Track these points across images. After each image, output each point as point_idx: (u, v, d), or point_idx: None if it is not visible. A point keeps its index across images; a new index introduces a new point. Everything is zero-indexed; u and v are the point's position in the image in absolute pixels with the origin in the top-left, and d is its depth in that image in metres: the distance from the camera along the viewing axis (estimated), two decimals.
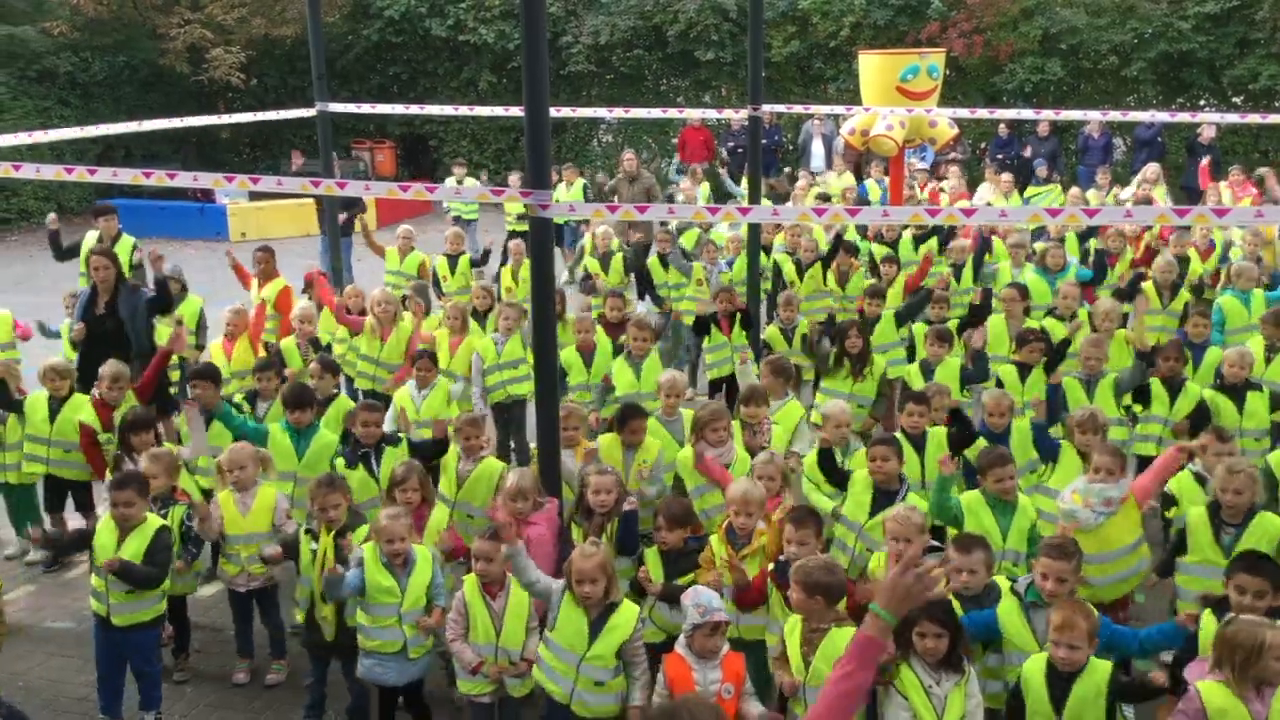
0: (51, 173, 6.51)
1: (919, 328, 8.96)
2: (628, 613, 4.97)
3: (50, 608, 7.19)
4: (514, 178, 17.13)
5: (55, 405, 7.47)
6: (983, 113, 15.12)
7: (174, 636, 6.55)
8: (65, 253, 10.83)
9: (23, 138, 7.97)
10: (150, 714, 5.93)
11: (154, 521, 5.75)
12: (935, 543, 5.53)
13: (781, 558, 5.33)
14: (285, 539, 6.08)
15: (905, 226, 11.18)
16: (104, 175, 6.29)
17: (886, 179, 14.81)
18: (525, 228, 15.25)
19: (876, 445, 6.08)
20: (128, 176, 6.20)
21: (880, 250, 10.98)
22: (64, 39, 21.54)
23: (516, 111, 10.76)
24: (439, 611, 5.43)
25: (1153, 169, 14.57)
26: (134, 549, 5.65)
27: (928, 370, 8.11)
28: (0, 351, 8.82)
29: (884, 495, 5.91)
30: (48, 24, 21.35)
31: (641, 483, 6.55)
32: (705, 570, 5.53)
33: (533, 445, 6.51)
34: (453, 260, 11.22)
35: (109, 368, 7.46)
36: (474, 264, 11.32)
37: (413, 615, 5.41)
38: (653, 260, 11.21)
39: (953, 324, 8.72)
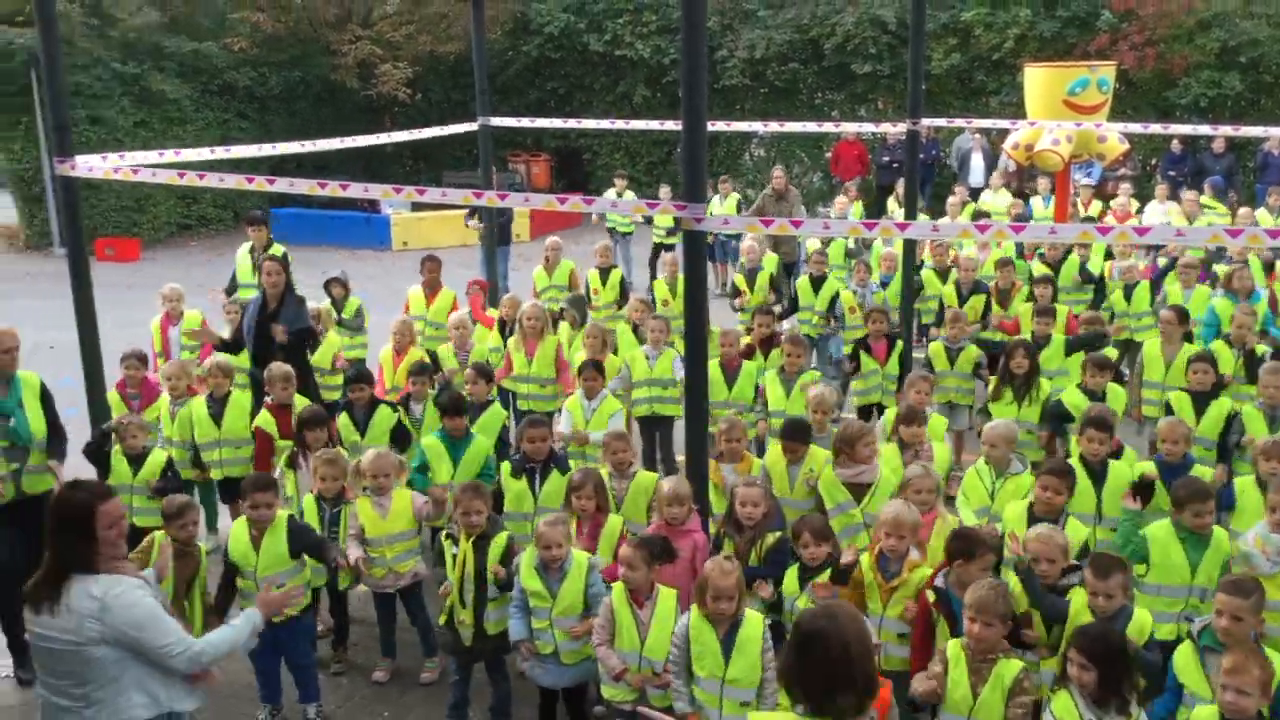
0: (233, 182, 6.85)
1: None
2: (755, 623, 4.94)
3: None
4: (664, 191, 17.27)
5: (215, 407, 7.70)
6: (1155, 128, 14.45)
7: (333, 630, 6.79)
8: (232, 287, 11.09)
9: (205, 153, 8.42)
10: (311, 706, 6.14)
11: (282, 515, 5.94)
12: (1076, 562, 5.35)
13: (938, 583, 5.21)
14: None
15: (1069, 248, 10.83)
16: (281, 185, 6.60)
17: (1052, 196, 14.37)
18: (673, 241, 15.67)
19: (1049, 475, 5.82)
20: (304, 187, 6.48)
21: (1040, 269, 10.65)
22: (244, 55, 22.68)
23: (671, 125, 10.93)
24: (590, 621, 5.47)
25: None
26: (275, 546, 5.84)
27: (1092, 398, 7.68)
28: (186, 351, 9.36)
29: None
30: (229, 40, 22.52)
31: (806, 489, 6.49)
32: (852, 592, 5.44)
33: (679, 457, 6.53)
34: (604, 273, 11.27)
35: (276, 369, 7.70)
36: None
37: (564, 622, 5.48)
38: (802, 281, 11.09)
39: (1110, 351, 8.38)
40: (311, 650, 6.26)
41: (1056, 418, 7.65)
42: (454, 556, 5.80)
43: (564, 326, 9.24)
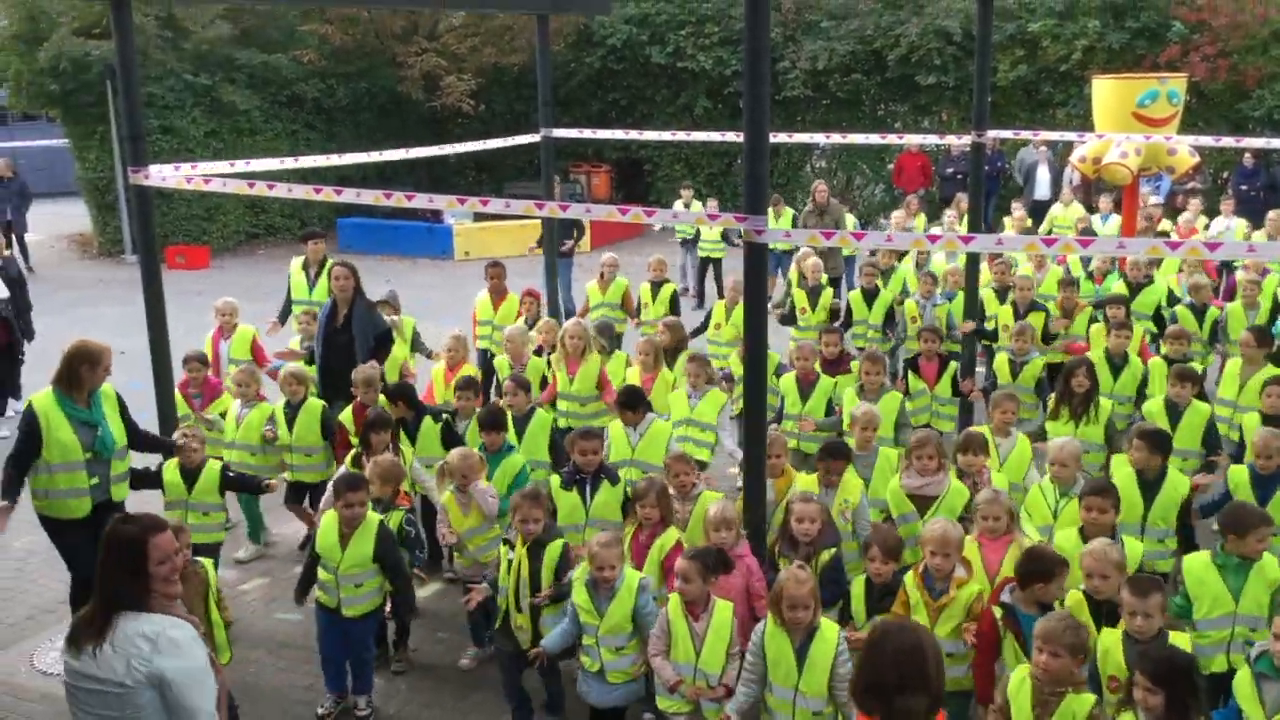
0: (301, 192, 6.98)
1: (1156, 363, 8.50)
2: (830, 632, 4.93)
3: (282, 599, 7.58)
4: (712, 204, 17.24)
5: (291, 412, 7.86)
6: (1227, 141, 14.15)
7: (400, 629, 6.87)
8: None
9: (274, 164, 8.58)
10: (363, 698, 6.26)
11: (374, 518, 6.05)
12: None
13: (1005, 599, 5.14)
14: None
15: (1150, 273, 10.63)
16: (348, 195, 6.71)
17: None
18: (720, 255, 15.63)
19: (1092, 495, 5.75)
20: (370, 197, 6.59)
21: (1116, 288, 10.44)
22: (312, 67, 23.08)
23: (733, 137, 10.92)
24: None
25: None
26: (362, 547, 5.97)
27: (1174, 412, 7.54)
28: (234, 366, 9.22)
29: None
30: (299, 52, 22.93)
31: (843, 522, 6.41)
32: (898, 610, 5.39)
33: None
34: (655, 287, 11.09)
35: (360, 373, 7.82)
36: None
37: (610, 640, 5.47)
38: (855, 295, 10.97)
39: (1197, 363, 8.20)
40: (374, 645, 6.40)
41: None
42: (509, 562, 5.84)
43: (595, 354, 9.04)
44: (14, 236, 19.49)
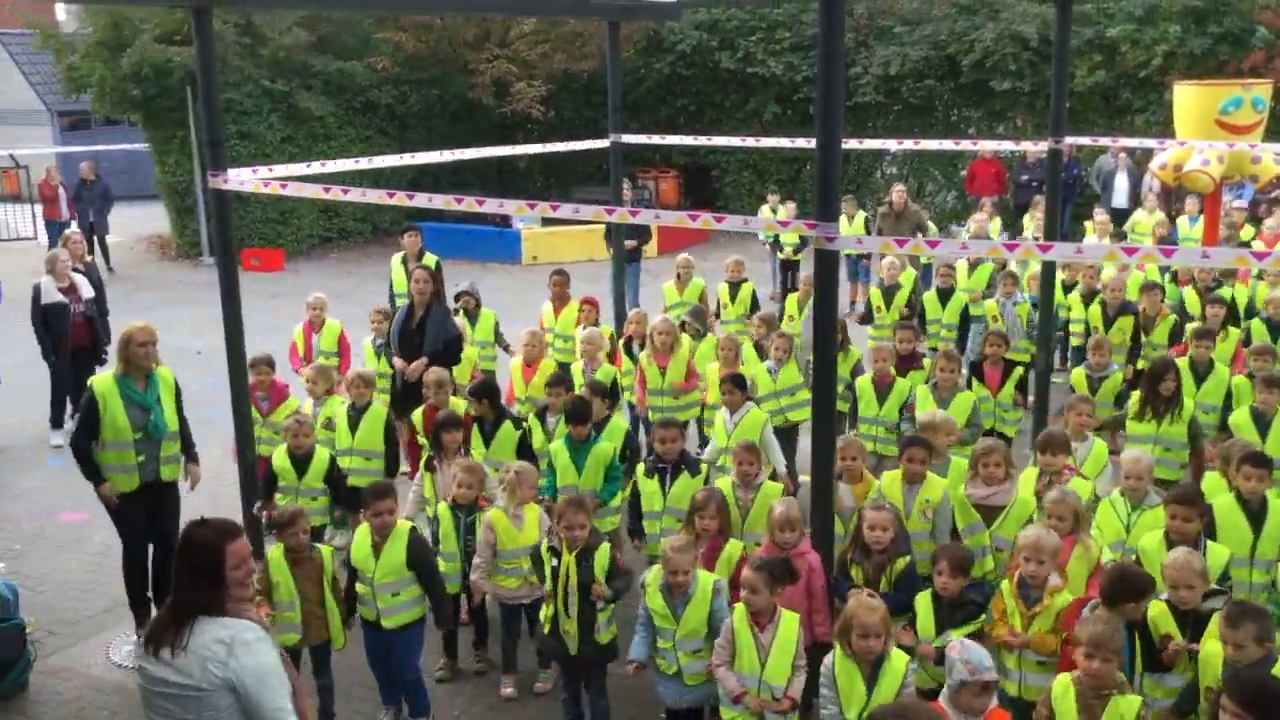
0: (375, 196, 7.04)
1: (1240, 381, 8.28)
2: (899, 661, 4.84)
3: None
4: (790, 207, 17.16)
5: (355, 415, 7.93)
6: None
7: (474, 628, 6.89)
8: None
9: (349, 163, 8.70)
10: None
11: (404, 525, 6.02)
12: (1217, 587, 5.14)
13: (1086, 615, 5.02)
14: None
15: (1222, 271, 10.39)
16: (420, 200, 6.74)
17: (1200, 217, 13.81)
18: (800, 258, 15.54)
19: (1176, 504, 5.64)
20: (441, 201, 6.61)
21: (1192, 298, 10.21)
22: (386, 74, 23.39)
23: (802, 143, 10.83)
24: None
25: None
26: (395, 555, 5.92)
27: (1261, 421, 7.35)
28: (324, 358, 9.68)
29: None
30: (373, 60, 23.26)
31: (923, 520, 6.34)
32: (999, 622, 5.28)
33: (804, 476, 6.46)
34: (734, 288, 11.31)
35: (432, 375, 7.92)
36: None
37: (687, 644, 5.46)
38: (930, 295, 10.93)
39: None
40: (417, 663, 6.26)
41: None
42: (554, 568, 5.83)
43: (686, 339, 9.25)
44: (96, 239, 20.03)
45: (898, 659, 4.83)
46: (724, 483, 6.62)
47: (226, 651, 3.67)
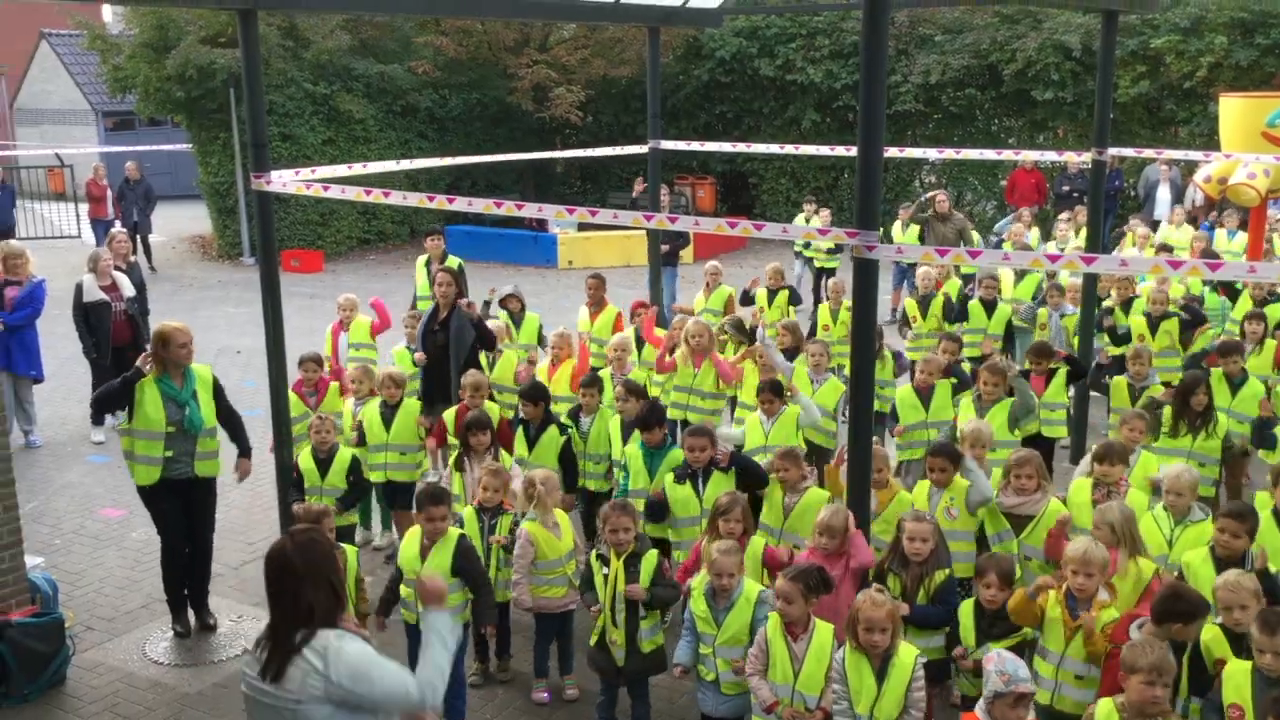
0: (415, 199, 7.09)
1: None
2: (908, 656, 4.84)
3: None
4: (825, 215, 17.09)
5: (388, 413, 8.01)
6: None
7: (496, 638, 6.86)
8: None
9: (389, 164, 8.80)
10: None
11: (454, 532, 6.03)
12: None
13: (1133, 635, 4.93)
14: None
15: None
16: (460, 204, 6.79)
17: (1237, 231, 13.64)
18: (835, 264, 15.46)
19: (1227, 518, 5.59)
20: (480, 206, 6.65)
21: (1241, 309, 10.09)
22: (426, 77, 23.54)
23: (842, 151, 10.82)
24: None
25: None
26: (441, 560, 5.93)
27: None
28: (358, 350, 9.78)
29: (1225, 568, 5.37)
30: (414, 64, 23.42)
31: (948, 520, 6.35)
32: (1024, 612, 5.25)
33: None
34: (772, 294, 11.34)
35: (469, 378, 7.96)
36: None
37: (727, 652, 5.45)
38: (974, 304, 10.86)
39: None
40: (461, 670, 6.22)
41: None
42: (605, 576, 5.83)
43: (729, 348, 9.27)
44: (139, 238, 20.27)
45: (906, 653, 4.83)
46: (774, 486, 6.63)
47: (323, 664, 3.56)
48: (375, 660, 3.65)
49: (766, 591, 5.58)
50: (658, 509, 6.79)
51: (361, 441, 8.02)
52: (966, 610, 5.45)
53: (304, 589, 3.59)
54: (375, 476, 8.03)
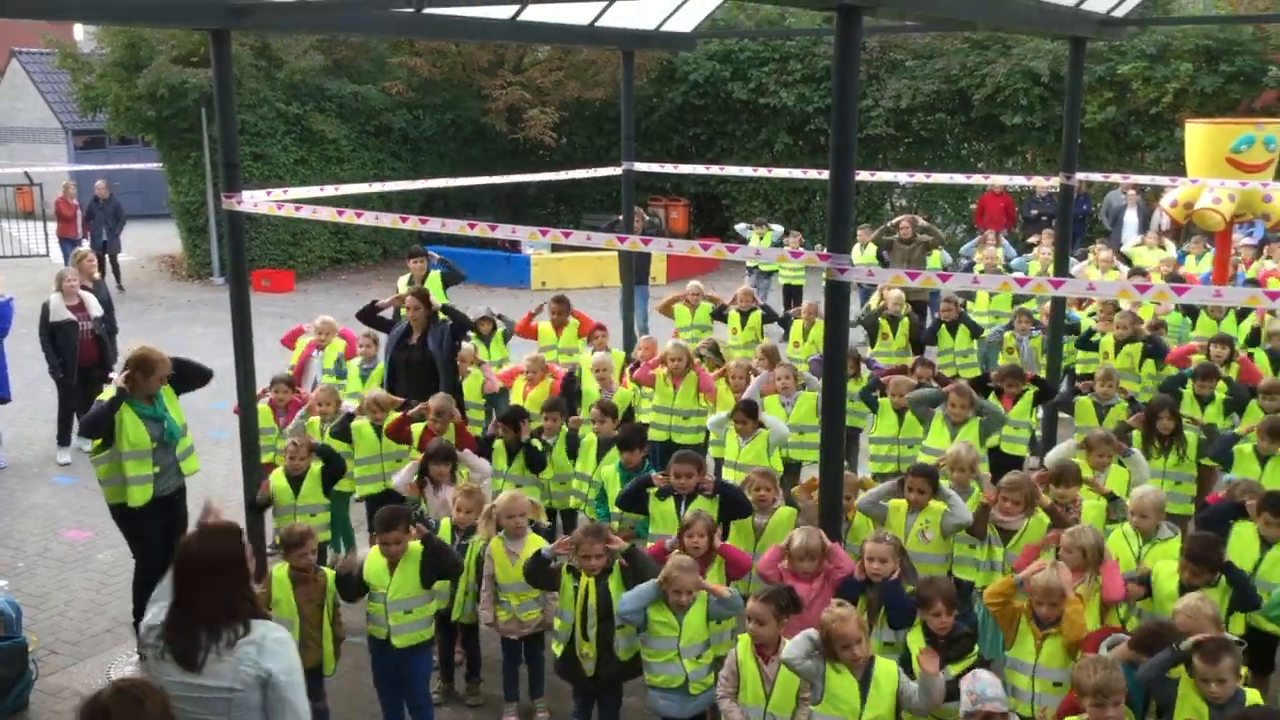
0: (389, 220, 7.08)
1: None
2: (888, 667, 4.88)
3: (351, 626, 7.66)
4: (796, 237, 17.17)
5: (379, 430, 8.01)
6: None
7: (466, 660, 6.85)
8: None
9: (362, 187, 8.78)
10: None
11: (416, 546, 6.01)
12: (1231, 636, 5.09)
13: (1104, 652, 4.99)
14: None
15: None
16: (433, 225, 6.78)
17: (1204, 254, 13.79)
18: (803, 281, 15.53)
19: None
20: (454, 227, 6.64)
21: (1203, 329, 10.21)
22: (400, 98, 23.52)
23: (814, 174, 10.88)
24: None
25: None
26: (408, 576, 5.93)
27: (1263, 461, 7.33)
28: (328, 377, 9.71)
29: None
30: (388, 84, 23.40)
31: (922, 542, 6.42)
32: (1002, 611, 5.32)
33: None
34: (744, 315, 11.34)
35: (436, 401, 7.91)
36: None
37: (691, 650, 5.50)
38: (943, 329, 10.97)
39: None
40: (428, 688, 6.28)
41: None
42: (575, 589, 5.82)
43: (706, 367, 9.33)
44: (108, 257, 20.09)
45: (886, 665, 4.88)
46: None
47: (257, 651, 3.68)
48: (301, 670, 3.79)
49: (727, 590, 5.65)
50: (635, 499, 6.79)
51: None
52: (916, 637, 5.37)
53: (216, 583, 3.70)
54: (372, 489, 7.98)
